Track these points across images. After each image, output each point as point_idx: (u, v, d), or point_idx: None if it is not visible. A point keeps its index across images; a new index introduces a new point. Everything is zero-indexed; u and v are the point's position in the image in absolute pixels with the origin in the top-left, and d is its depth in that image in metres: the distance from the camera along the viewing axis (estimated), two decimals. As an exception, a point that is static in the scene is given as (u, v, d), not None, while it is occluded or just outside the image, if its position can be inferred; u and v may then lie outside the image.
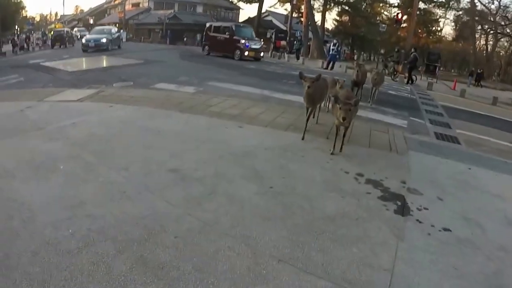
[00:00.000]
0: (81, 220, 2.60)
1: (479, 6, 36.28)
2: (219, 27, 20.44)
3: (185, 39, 38.59)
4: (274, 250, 2.42)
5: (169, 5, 44.34)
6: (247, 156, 4.10)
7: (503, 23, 35.05)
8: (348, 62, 26.28)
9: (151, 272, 2.13)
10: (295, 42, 27.06)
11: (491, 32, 37.14)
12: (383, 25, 26.92)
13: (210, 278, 2.12)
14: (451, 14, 40.33)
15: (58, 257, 2.20)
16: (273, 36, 30.92)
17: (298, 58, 23.84)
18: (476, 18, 36.18)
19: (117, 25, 39.80)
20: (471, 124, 8.08)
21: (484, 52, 40.17)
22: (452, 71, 45.89)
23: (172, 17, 41.06)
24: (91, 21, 48.26)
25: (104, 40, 20.12)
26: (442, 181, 3.94)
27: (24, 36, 27.02)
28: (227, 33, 19.36)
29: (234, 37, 18.86)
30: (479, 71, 24.22)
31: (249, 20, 37.90)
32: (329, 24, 43.39)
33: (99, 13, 54.35)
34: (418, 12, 28.24)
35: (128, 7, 45.68)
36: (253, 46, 18.92)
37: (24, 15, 39.15)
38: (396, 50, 17.92)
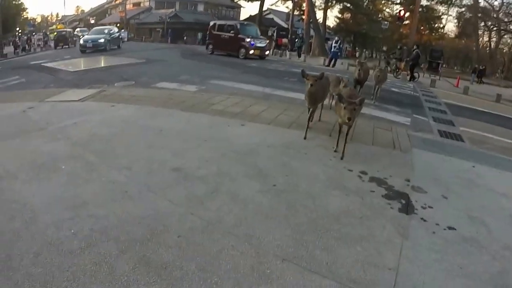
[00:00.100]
0: (83, 220, 2.59)
1: (482, 3, 36.15)
2: (223, 26, 20.16)
3: (185, 38, 38.54)
4: (278, 249, 2.40)
5: (170, 4, 44.34)
6: (249, 154, 4.08)
7: (506, 19, 34.82)
8: (350, 59, 26.19)
9: (154, 272, 2.12)
10: (296, 39, 26.95)
11: (494, 29, 36.92)
12: (385, 22, 26.75)
13: (213, 277, 2.11)
14: (453, 11, 40.28)
15: (60, 257, 2.19)
16: (275, 34, 30.84)
17: (299, 56, 23.75)
18: (479, 14, 35.95)
19: (118, 24, 39.86)
20: (474, 121, 8.01)
21: (487, 49, 39.93)
22: (455, 68, 45.62)
23: (173, 16, 41.05)
24: (92, 21, 48.28)
25: (102, 41, 19.72)
26: (446, 179, 3.90)
27: (25, 37, 27.14)
28: (231, 31, 19.02)
29: (239, 36, 18.52)
30: (481, 68, 24.07)
31: (250, 18, 37.79)
32: (331, 22, 43.43)
33: (100, 13, 54.43)
34: (420, 9, 28.07)
35: (129, 6, 45.73)
36: (258, 45, 18.61)
37: (25, 16, 39.25)
38: (398, 47, 17.85)
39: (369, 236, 2.65)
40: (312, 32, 29.57)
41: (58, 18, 75.61)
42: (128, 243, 2.37)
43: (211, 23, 21.23)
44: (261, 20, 34.38)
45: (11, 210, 2.68)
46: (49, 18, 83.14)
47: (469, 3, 36.41)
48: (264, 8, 38.16)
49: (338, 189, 3.37)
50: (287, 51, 25.31)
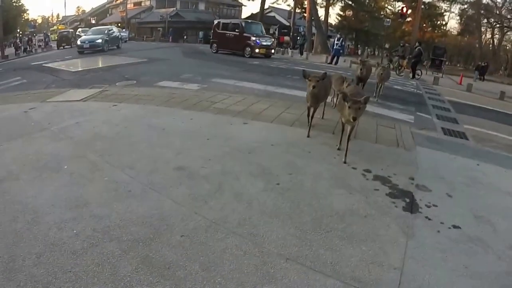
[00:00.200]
0: (86, 220, 2.59)
1: (485, 0, 35.87)
2: (228, 24, 19.92)
3: (185, 37, 38.46)
4: (282, 249, 2.39)
5: (171, 3, 44.31)
6: (253, 152, 4.06)
7: (509, 16, 34.54)
8: (352, 57, 26.12)
9: (157, 272, 2.11)
10: (298, 37, 26.89)
11: (497, 25, 36.65)
12: (388, 20, 26.55)
13: (217, 277, 2.10)
14: (456, 8, 39.99)
15: (62, 258, 2.18)
16: (276, 32, 30.82)
17: (301, 54, 23.69)
18: (482, 11, 35.69)
19: (119, 24, 39.92)
20: (478, 119, 7.95)
21: (490, 46, 39.67)
22: (458, 65, 45.42)
23: (174, 15, 41.04)
24: (93, 21, 48.28)
25: (99, 41, 19.28)
26: (450, 177, 3.86)
27: (26, 38, 27.25)
28: (236, 30, 18.82)
29: (244, 34, 18.33)
30: (483, 65, 23.90)
31: (252, 17, 37.68)
32: (333, 19, 43.17)
33: (101, 13, 54.41)
34: (422, 6, 27.91)
35: (130, 6, 45.72)
36: (264, 43, 18.39)
37: (26, 17, 39.30)
38: (401, 44, 17.69)
39: (373, 235, 2.63)
40: (314, 30, 29.51)
41: (59, 19, 75.70)
42: (131, 243, 2.36)
43: (215, 22, 21.00)
44: (263, 18, 34.26)
45: (13, 211, 2.67)
46: (49, 19, 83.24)
47: (471, 0, 36.21)
48: (266, 6, 38.07)
49: (342, 187, 3.35)
50: (289, 49, 25.26)
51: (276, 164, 3.78)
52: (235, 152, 4.03)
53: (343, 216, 2.84)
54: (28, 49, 25.70)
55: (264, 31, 20.31)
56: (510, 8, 33.83)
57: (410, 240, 2.60)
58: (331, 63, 18.44)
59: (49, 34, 35.27)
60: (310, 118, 4.71)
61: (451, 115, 7.88)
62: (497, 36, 38.91)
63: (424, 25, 36.81)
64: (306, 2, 30.21)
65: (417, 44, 16.81)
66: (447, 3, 36.28)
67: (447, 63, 28.88)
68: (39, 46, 27.31)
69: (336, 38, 19.38)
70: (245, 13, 49.01)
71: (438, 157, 4.58)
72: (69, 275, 2.05)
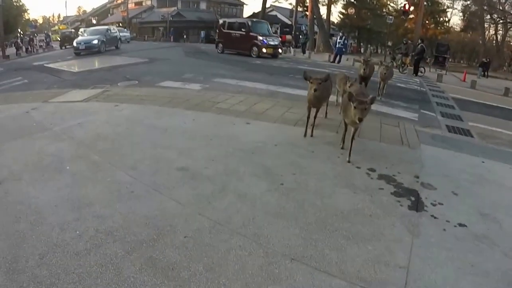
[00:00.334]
0: (89, 221, 2.58)
1: (487, -5, 35.58)
2: (233, 24, 19.47)
3: (184, 36, 38.42)
4: (286, 249, 2.37)
5: (172, 2, 44.30)
6: (256, 152, 4.04)
7: (512, 12, 34.29)
8: (355, 55, 26.01)
9: (161, 273, 2.10)
10: (300, 36, 26.81)
11: (501, 21, 36.36)
12: (390, 17, 26.40)
13: (221, 278, 2.08)
14: (458, 4, 39.74)
15: (66, 259, 2.18)
16: (278, 31, 30.73)
17: (304, 52, 23.64)
18: (485, 7, 35.39)
19: (120, 24, 39.95)
20: (483, 116, 7.90)
21: (494, 42, 39.38)
22: (461, 62, 45.16)
23: (175, 15, 41.04)
24: (94, 21, 48.30)
25: (95, 42, 18.62)
26: (456, 175, 3.83)
27: (27, 38, 27.37)
28: (242, 29, 18.37)
29: (251, 34, 17.90)
30: (485, 61, 23.73)
31: (254, 16, 37.66)
32: (335, 18, 42.97)
33: (102, 13, 54.48)
34: (425, 3, 27.82)
35: (131, 6, 45.73)
36: (271, 43, 18.01)
37: (26, 17, 39.36)
38: (404, 42, 17.59)
39: (379, 234, 2.61)
40: (316, 28, 29.41)
41: (60, 19, 76.04)
42: (135, 244, 2.35)
43: (221, 21, 20.68)
44: (265, 17, 34.21)
45: (16, 212, 2.67)
46: (50, 19, 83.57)
47: (474, -4, 35.97)
48: (267, 5, 38.04)
49: (346, 187, 3.32)
50: (291, 47, 25.17)
51: (279, 164, 3.76)
52: (238, 152, 4.01)
53: (348, 216, 2.82)
54: (29, 49, 25.80)
55: (271, 30, 19.99)
56: (514, 3, 33.57)
57: (416, 239, 2.58)
58: (333, 61, 18.38)
59: (50, 34, 35.43)
60: (313, 119, 4.62)
61: (456, 112, 7.83)
62: (500, 32, 38.60)
63: (427, 22, 36.60)
64: (308, 1, 30.13)
65: (419, 41, 16.77)
66: (450, -1, 36.06)
67: (450, 60, 28.70)
68: (40, 46, 27.43)
69: (339, 37, 19.33)
70: (247, 12, 49.17)
71: (443, 154, 4.55)
72: (72, 276, 2.04)
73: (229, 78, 9.95)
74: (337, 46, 18.85)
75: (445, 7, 38.62)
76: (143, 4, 47.14)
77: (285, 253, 2.33)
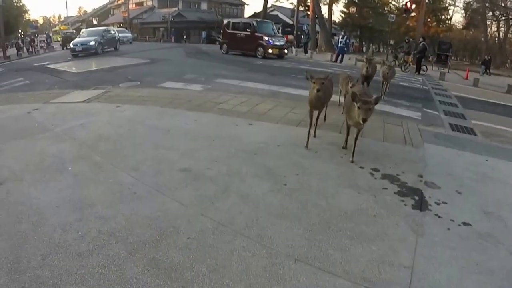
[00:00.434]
0: (91, 222, 2.57)
1: (489, -8, 35.42)
2: (238, 24, 19.21)
3: (184, 36, 38.41)
4: (290, 250, 2.36)
5: (173, 3, 44.34)
6: (259, 153, 4.03)
7: (514, 8, 34.12)
8: (357, 54, 25.94)
9: (164, 274, 2.09)
10: (302, 36, 26.77)
11: (503, 18, 36.19)
12: (392, 15, 26.31)
13: (224, 279, 2.07)
14: (460, 1, 39.55)
15: (68, 260, 2.17)
16: (280, 31, 30.65)
17: (306, 52, 23.60)
18: (487, 4, 35.24)
19: (121, 25, 39.98)
20: (486, 114, 7.86)
21: (496, 39, 39.19)
22: (464, 60, 44.96)
23: (176, 15, 41.05)
24: (95, 22, 48.33)
25: (92, 43, 18.18)
26: (460, 173, 3.81)
27: (28, 39, 27.50)
28: (247, 29, 18.08)
29: (256, 34, 17.62)
30: (486, 58, 23.62)
31: (254, 16, 37.66)
32: (336, 17, 42.97)
33: (102, 14, 54.54)
34: (427, 1, 27.69)
35: (131, 6, 45.73)
36: (277, 43, 17.76)
37: (27, 18, 39.49)
38: (406, 40, 17.54)
39: (383, 234, 2.59)
40: (318, 28, 29.36)
41: (61, 20, 76.23)
42: (137, 245, 2.34)
43: (225, 22, 20.42)
44: (266, 17, 34.20)
45: (17, 212, 2.67)
46: (51, 19, 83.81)
47: (476, -7, 35.83)
48: (269, 5, 38.00)
49: (350, 187, 3.30)
50: (293, 47, 25.13)
51: (282, 164, 3.74)
52: (241, 153, 4.00)
53: (351, 216, 2.80)
54: (30, 50, 25.90)
55: (276, 30, 19.76)
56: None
57: (420, 238, 2.56)
58: (336, 61, 18.33)
59: (51, 35, 35.55)
60: (316, 120, 4.48)
61: (459, 111, 7.80)
62: (502, 29, 38.43)
63: (429, 20, 36.48)
64: (309, 0, 30.06)
65: (421, 39, 16.70)
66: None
67: (452, 58, 28.59)
68: (41, 47, 27.55)
69: (341, 36, 19.28)
70: (248, 12, 49.04)
71: (446, 153, 4.52)
72: (74, 277, 2.03)
73: (231, 79, 9.94)
74: (339, 45, 18.79)
75: (447, 4, 38.55)
76: (144, 4, 47.17)
77: (289, 253, 2.31)
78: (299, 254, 2.31)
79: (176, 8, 43.08)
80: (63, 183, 3.16)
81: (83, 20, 57.18)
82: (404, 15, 26.99)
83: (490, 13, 36.61)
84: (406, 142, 4.76)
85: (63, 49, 26.19)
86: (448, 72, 18.21)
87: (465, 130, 5.98)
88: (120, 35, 25.90)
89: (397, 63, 16.28)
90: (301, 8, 33.71)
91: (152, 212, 2.73)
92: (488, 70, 22.05)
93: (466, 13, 40.69)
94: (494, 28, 40.03)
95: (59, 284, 1.98)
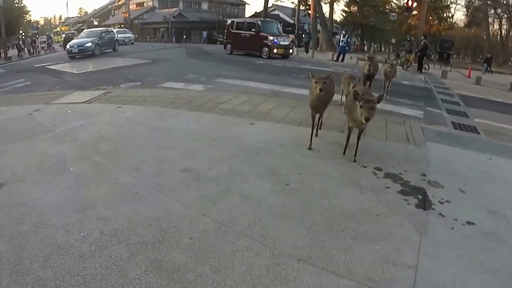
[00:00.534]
0: (93, 223, 2.56)
1: (491, -10, 35.29)
2: (243, 23, 19.01)
3: (184, 36, 38.40)
4: (293, 250, 2.35)
5: (173, 3, 44.37)
6: (261, 153, 4.01)
7: (517, 6, 34.00)
8: (359, 53, 25.88)
9: (166, 275, 2.08)
10: (303, 35, 26.72)
11: (505, 16, 36.07)
12: (393, 14, 26.23)
13: (227, 280, 2.06)
14: (462, -1, 39.27)
15: (70, 261, 2.16)
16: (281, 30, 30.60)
17: (307, 51, 23.55)
18: (489, 2, 35.13)
19: (122, 25, 40.01)
20: (489, 112, 7.83)
21: (498, 37, 39.03)
22: (466, 58, 44.80)
23: (177, 15, 41.07)
24: (96, 23, 48.37)
25: (89, 45, 17.79)
26: (463, 172, 3.79)
27: (29, 40, 27.58)
28: (252, 29, 17.83)
29: (261, 34, 17.39)
30: (488, 56, 23.51)
31: (255, 15, 37.63)
32: (338, 16, 42.91)
33: (103, 14, 54.58)
34: (428, -1, 27.55)
35: (132, 7, 45.80)
36: (282, 43, 17.58)
37: (28, 19, 39.58)
38: (407, 39, 17.46)
39: (386, 233, 2.58)
40: (319, 27, 29.31)
41: (61, 21, 76.34)
42: (139, 245, 2.33)
43: (229, 21, 20.20)
44: (267, 16, 34.18)
45: (19, 213, 2.67)
46: (52, 20, 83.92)
47: (477, -9, 35.70)
48: (269, 4, 37.97)
49: (352, 186, 3.29)
50: (294, 47, 25.10)
51: (284, 164, 3.73)
52: (243, 153, 3.99)
53: (354, 216, 2.79)
54: (31, 50, 25.96)
55: (281, 30, 19.60)
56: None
57: (424, 238, 2.55)
58: (337, 60, 18.27)
59: (52, 35, 35.65)
60: (317, 120, 4.37)
61: (461, 109, 7.77)
62: (504, 26, 38.28)
63: (430, 18, 36.33)
64: (310, -1, 30.03)
65: (422, 37, 16.63)
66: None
67: (454, 56, 28.48)
68: (42, 48, 27.63)
69: (342, 35, 19.19)
70: (248, 11, 48.93)
71: (449, 152, 4.50)
72: (77, 279, 2.02)
73: (232, 79, 9.94)
74: (340, 44, 18.73)
75: (449, 2, 38.31)
76: (145, 5, 47.23)
77: (292, 254, 2.30)
78: (302, 254, 2.30)
79: (177, 8, 43.10)
80: (64, 184, 3.16)
81: (84, 21, 57.21)
82: (406, 13, 26.92)
83: (492, 11, 36.50)
84: (409, 141, 4.74)
85: (64, 49, 26.32)
86: (450, 70, 18.14)
87: (468, 129, 5.96)
88: (121, 35, 25.96)
89: (399, 61, 16.23)
90: (302, 7, 33.70)
91: (154, 212, 2.72)
92: (489, 68, 21.95)
93: (468, 11, 40.57)
94: (496, 26, 39.93)
95: (61, 285, 1.97)
